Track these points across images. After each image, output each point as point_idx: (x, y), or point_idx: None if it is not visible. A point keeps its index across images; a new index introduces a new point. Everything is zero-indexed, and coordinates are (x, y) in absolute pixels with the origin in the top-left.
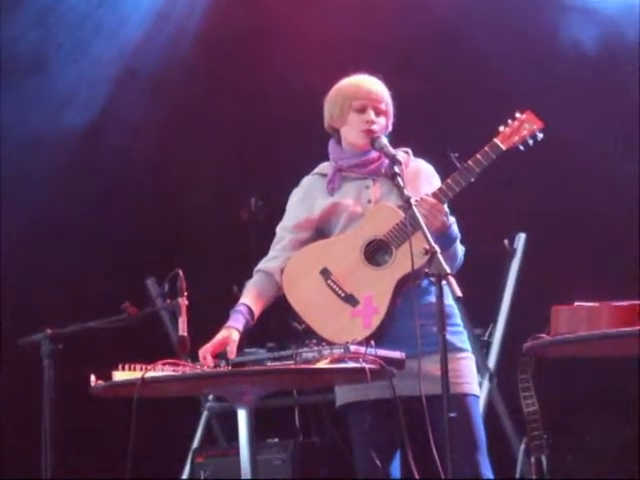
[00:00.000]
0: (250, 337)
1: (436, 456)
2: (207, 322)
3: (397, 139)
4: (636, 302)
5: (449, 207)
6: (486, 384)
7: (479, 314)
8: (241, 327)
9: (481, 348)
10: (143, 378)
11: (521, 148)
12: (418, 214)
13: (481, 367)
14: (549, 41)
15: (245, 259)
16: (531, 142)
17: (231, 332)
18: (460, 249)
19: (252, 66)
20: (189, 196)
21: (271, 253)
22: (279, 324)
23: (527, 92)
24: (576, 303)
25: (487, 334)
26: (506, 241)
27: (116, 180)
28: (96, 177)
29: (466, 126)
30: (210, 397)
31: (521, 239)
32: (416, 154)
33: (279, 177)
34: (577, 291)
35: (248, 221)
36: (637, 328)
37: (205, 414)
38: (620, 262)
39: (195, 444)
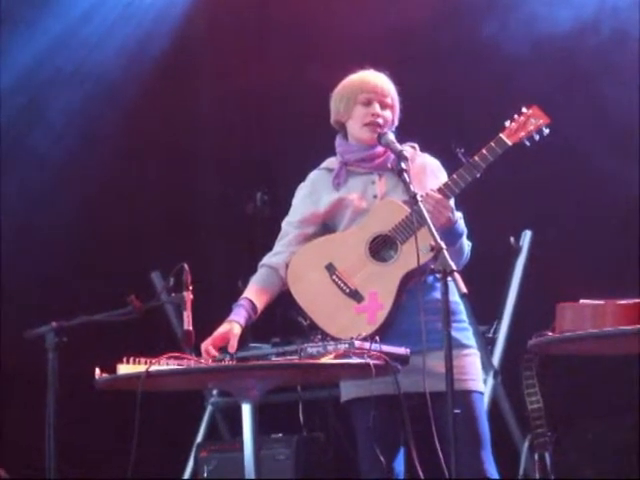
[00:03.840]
0: (255, 332)
1: (440, 452)
2: (212, 316)
3: (404, 134)
4: None
5: (455, 203)
6: (491, 381)
7: (484, 311)
8: (243, 321)
9: (486, 345)
10: (147, 371)
11: (527, 143)
12: (424, 210)
13: (486, 364)
14: (557, 30)
15: (250, 253)
16: (537, 137)
17: (233, 326)
18: (466, 244)
19: (258, 60)
20: (195, 190)
21: (276, 248)
22: (284, 319)
23: (534, 86)
24: (581, 301)
25: (492, 331)
26: (512, 238)
27: (122, 172)
28: (102, 169)
29: (472, 121)
30: (214, 392)
31: (527, 236)
32: (422, 149)
33: (285, 172)
34: (582, 289)
35: (253, 215)
36: None
37: (209, 409)
38: (626, 260)
39: (199, 439)
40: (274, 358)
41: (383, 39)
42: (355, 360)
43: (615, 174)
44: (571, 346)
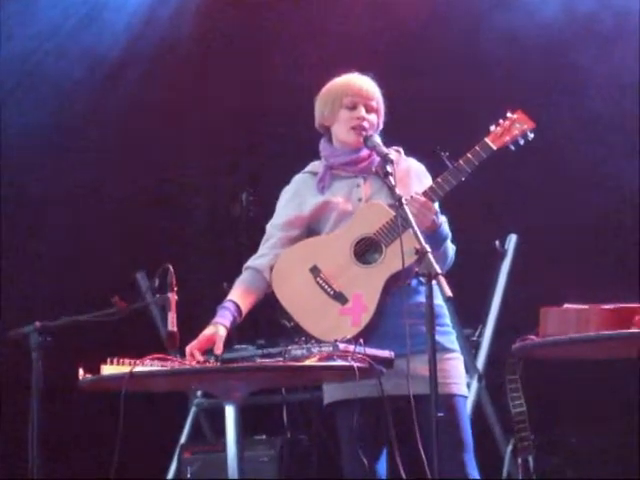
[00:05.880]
0: (240, 334)
1: (423, 455)
2: (198, 318)
3: (389, 137)
4: (625, 305)
5: (440, 206)
6: (475, 384)
7: (469, 314)
8: (228, 323)
9: (470, 348)
10: (131, 372)
11: (512, 148)
12: (409, 213)
13: (470, 367)
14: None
15: (236, 255)
16: (522, 142)
17: (218, 328)
18: (451, 248)
19: (245, 63)
20: (181, 191)
21: (260, 250)
22: (269, 321)
23: (517, 90)
24: (565, 305)
25: (477, 334)
26: (497, 242)
27: (106, 173)
28: (88, 171)
29: (458, 125)
30: (198, 393)
31: (512, 240)
32: (407, 153)
33: (271, 173)
34: (567, 293)
35: (239, 217)
36: (625, 331)
37: (193, 410)
38: (610, 265)
39: (183, 439)
40: (258, 360)
41: (369, 42)
42: (339, 363)
43: (601, 178)
44: (555, 351)
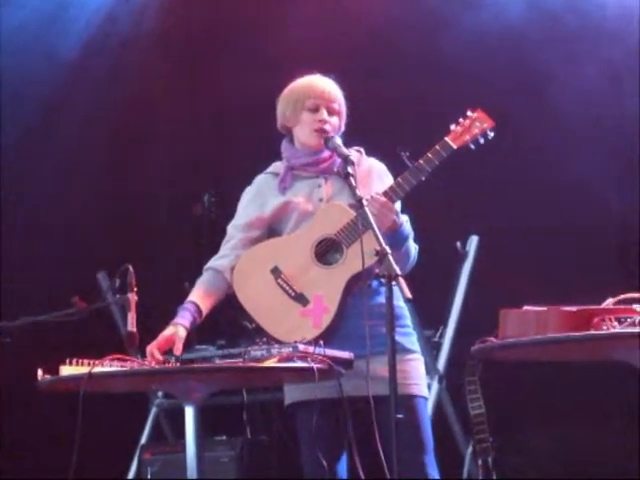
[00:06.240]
0: (201, 334)
1: (382, 457)
2: (159, 318)
3: (350, 137)
4: (584, 307)
5: (402, 206)
6: (435, 386)
7: (430, 315)
8: (188, 324)
9: (431, 349)
10: (90, 373)
11: (472, 147)
12: (369, 214)
13: (431, 369)
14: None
15: (198, 255)
16: (482, 141)
17: (178, 329)
18: (413, 247)
19: (208, 63)
20: (143, 191)
21: (221, 251)
22: (230, 322)
23: (480, 90)
24: (524, 307)
25: (438, 335)
26: (458, 243)
27: (69, 173)
28: (47, 170)
29: (421, 125)
30: (159, 394)
31: (473, 242)
32: (369, 153)
33: (233, 174)
34: (529, 295)
35: (201, 217)
36: (584, 333)
37: (154, 410)
38: (571, 266)
39: (143, 440)
40: (218, 361)
41: (331, 43)
42: (298, 364)
43: (563, 179)
44: (514, 352)
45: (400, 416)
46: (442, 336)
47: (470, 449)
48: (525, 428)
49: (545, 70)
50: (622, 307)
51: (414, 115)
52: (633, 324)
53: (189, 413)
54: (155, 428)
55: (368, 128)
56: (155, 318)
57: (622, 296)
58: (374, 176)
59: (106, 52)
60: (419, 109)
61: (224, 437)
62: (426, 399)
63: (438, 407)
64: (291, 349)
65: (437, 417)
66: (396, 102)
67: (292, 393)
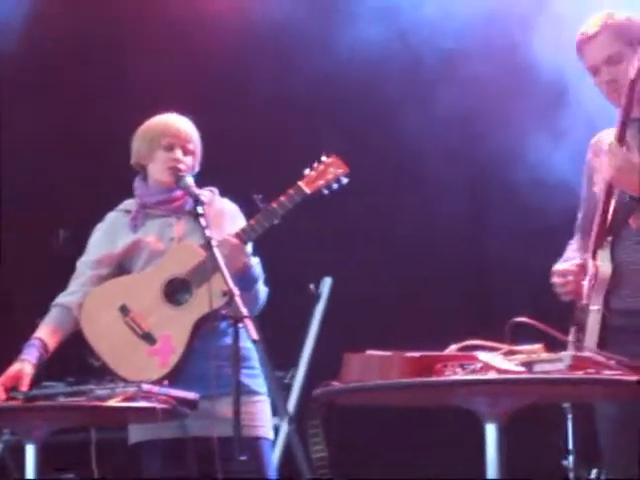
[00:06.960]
0: (50, 371)
1: None
2: (12, 354)
3: (205, 177)
4: (427, 353)
5: (254, 248)
6: (285, 427)
7: (282, 357)
8: (35, 360)
9: (282, 391)
10: None
11: (325, 192)
12: (219, 255)
13: (281, 410)
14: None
15: (51, 291)
16: (336, 186)
17: (24, 365)
18: (262, 290)
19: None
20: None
21: (70, 287)
22: (79, 359)
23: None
24: (368, 351)
25: (289, 377)
26: (312, 285)
27: None
28: None
29: (275, 168)
30: (6, 430)
31: (327, 283)
32: (222, 194)
33: (89, 210)
34: (378, 338)
35: (57, 253)
36: (426, 379)
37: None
38: (425, 310)
39: None
40: (62, 399)
41: (188, 83)
42: (141, 403)
43: (419, 220)
44: (357, 397)
45: (244, 458)
46: (293, 377)
47: None
48: (371, 470)
49: (394, 110)
50: (465, 354)
51: (270, 156)
52: (474, 371)
53: (29, 451)
54: (1, 465)
55: (222, 168)
56: (8, 355)
57: (465, 343)
58: (226, 217)
59: None
60: (275, 150)
61: (71, 475)
62: (271, 441)
63: (287, 448)
64: (135, 389)
65: (286, 458)
66: (251, 142)
67: (136, 432)
